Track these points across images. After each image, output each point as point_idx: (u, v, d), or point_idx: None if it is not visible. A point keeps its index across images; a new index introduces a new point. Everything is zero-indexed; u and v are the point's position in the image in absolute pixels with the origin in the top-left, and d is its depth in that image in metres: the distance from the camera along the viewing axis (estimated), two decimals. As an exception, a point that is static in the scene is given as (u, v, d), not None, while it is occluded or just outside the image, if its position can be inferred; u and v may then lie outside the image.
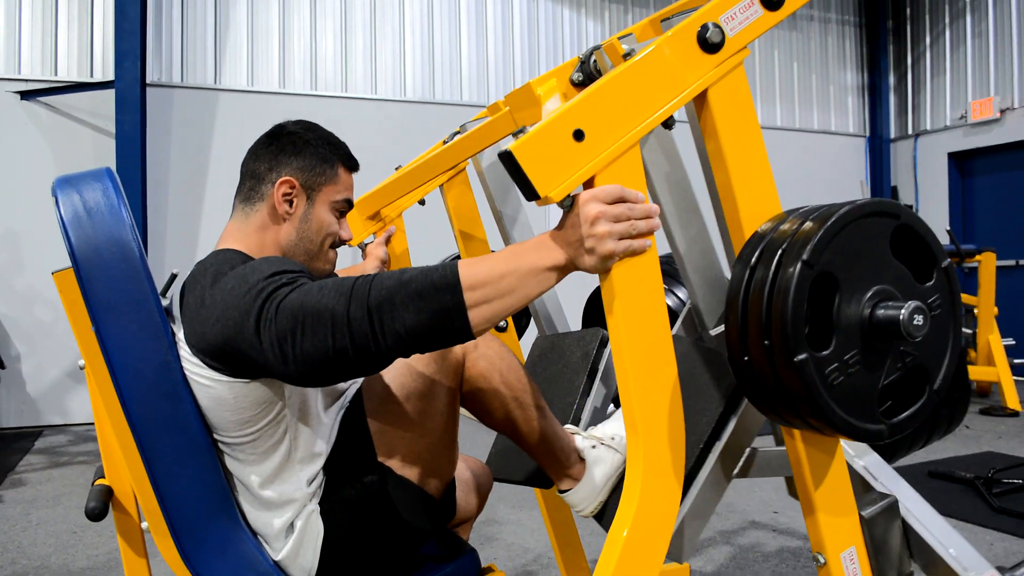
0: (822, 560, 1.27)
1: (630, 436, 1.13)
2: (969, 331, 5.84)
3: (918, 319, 1.02)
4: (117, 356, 1.27)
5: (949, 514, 3.20)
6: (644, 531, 1.10)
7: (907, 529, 1.39)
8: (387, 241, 2.15)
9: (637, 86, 1.10)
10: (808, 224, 1.05)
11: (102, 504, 1.34)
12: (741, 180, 1.18)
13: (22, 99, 5.70)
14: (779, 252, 1.04)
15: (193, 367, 1.27)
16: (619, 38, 1.46)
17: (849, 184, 8.57)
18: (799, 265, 1.00)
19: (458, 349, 1.43)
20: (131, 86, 5.52)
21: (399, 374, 1.41)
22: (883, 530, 1.31)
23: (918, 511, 1.42)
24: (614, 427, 1.51)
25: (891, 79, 8.71)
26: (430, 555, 1.51)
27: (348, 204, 1.50)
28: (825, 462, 1.25)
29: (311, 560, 1.34)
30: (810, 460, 1.24)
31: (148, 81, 5.87)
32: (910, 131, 8.58)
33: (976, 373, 5.61)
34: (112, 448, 1.43)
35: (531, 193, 1.04)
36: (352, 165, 1.53)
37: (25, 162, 5.72)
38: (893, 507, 1.33)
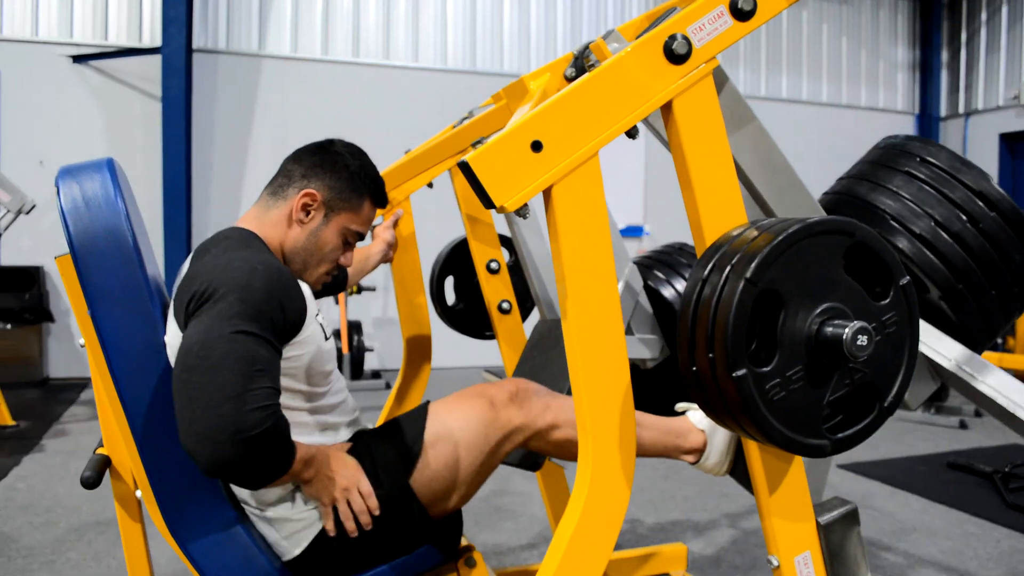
0: (775, 563, 1.30)
1: (581, 438, 1.16)
2: (1010, 319, 5.71)
3: (862, 340, 1.03)
4: (110, 338, 1.35)
5: (961, 508, 3.18)
6: (590, 531, 1.14)
7: (1014, 420, 1.55)
8: (395, 224, 2.19)
9: (598, 97, 1.12)
10: (758, 240, 1.06)
11: (96, 474, 1.43)
12: (704, 189, 1.19)
13: (74, 62, 5.86)
14: (728, 267, 1.06)
15: (175, 340, 1.34)
16: (604, 37, 1.48)
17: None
18: (742, 282, 1.02)
19: (533, 420, 1.51)
20: (177, 52, 5.63)
21: (468, 420, 1.48)
22: (840, 536, 1.33)
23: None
24: None
25: (944, 56, 8.42)
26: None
27: (360, 237, 1.58)
28: (782, 469, 1.28)
29: (307, 536, 1.42)
30: (766, 466, 1.27)
31: (194, 47, 5.97)
32: (961, 110, 8.31)
33: (1014, 362, 5.49)
34: (111, 420, 1.51)
35: (488, 202, 1.08)
36: (380, 202, 1.60)
37: (75, 124, 5.90)
38: (852, 514, 1.34)
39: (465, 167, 1.06)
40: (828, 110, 8.08)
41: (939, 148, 1.65)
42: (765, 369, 1.04)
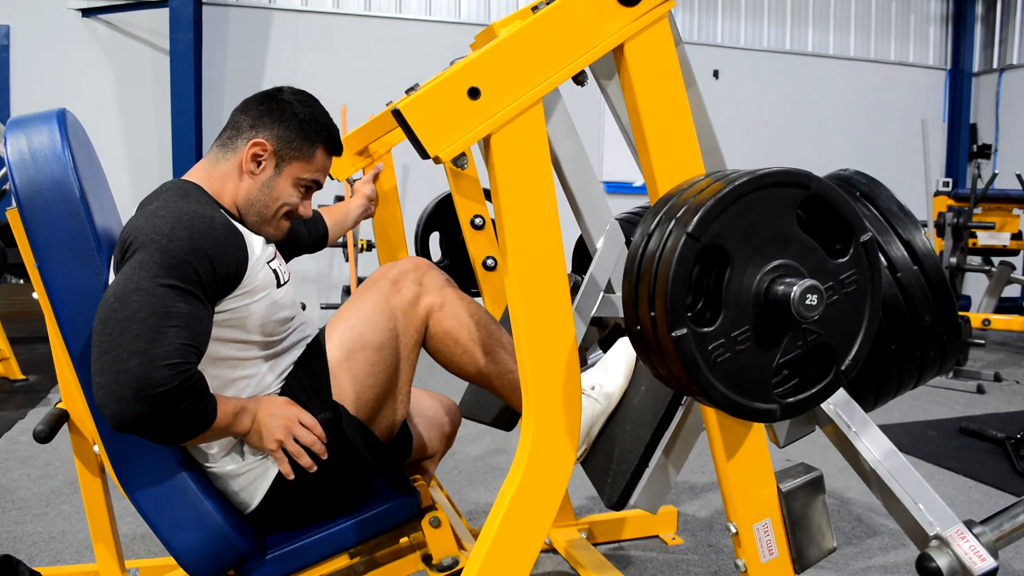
0: (733, 529, 1.26)
1: (524, 398, 1.12)
2: (1034, 282, 5.57)
3: (811, 299, 0.97)
4: (57, 290, 1.34)
5: (968, 474, 3.11)
6: (530, 499, 1.11)
7: (877, 482, 1.38)
8: (375, 178, 2.15)
9: (542, 41, 1.05)
10: (705, 192, 1.00)
11: (50, 428, 1.42)
12: (657, 138, 1.13)
13: (83, 16, 5.82)
14: (673, 220, 1.00)
15: None
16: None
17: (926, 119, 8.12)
18: (684, 237, 0.96)
19: (422, 308, 1.48)
20: (184, 5, 5.57)
21: (358, 323, 1.45)
22: (802, 504, 1.28)
23: (890, 464, 1.38)
24: (595, 376, 1.50)
25: (979, 8, 8.07)
26: (372, 491, 1.56)
27: (317, 185, 1.53)
28: (740, 433, 1.23)
29: (262, 487, 1.41)
30: (723, 430, 1.22)
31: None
32: (995, 65, 7.97)
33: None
34: (67, 374, 1.50)
35: (422, 152, 1.03)
36: (335, 149, 1.55)
37: (85, 78, 5.87)
38: (816, 482, 1.29)
39: (397, 115, 1.01)
40: (856, 65, 7.82)
41: (881, 187, 1.55)
42: (708, 329, 0.99)
